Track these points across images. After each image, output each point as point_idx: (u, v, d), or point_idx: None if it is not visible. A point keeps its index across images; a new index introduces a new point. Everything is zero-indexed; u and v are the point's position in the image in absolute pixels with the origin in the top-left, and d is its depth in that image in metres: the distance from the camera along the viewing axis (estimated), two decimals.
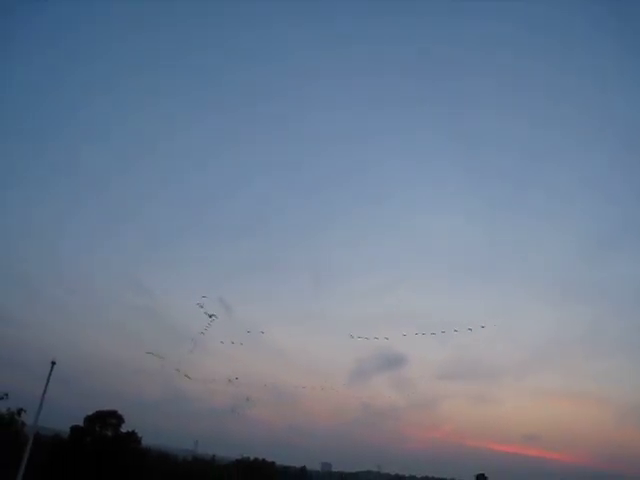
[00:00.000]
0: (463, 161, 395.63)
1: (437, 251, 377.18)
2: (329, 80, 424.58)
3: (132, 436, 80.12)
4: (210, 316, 70.77)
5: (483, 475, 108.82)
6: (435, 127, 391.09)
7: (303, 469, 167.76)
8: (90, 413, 77.76)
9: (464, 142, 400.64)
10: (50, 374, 41.98)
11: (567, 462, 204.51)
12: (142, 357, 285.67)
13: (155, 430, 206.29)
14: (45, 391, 41.79)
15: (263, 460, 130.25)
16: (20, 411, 62.56)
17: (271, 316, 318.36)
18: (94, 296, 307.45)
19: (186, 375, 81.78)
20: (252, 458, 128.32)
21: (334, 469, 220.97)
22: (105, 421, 77.61)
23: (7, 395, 61.29)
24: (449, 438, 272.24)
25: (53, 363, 42.11)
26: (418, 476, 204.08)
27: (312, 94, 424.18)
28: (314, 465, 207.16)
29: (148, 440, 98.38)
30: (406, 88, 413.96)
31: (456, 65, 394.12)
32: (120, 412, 79.52)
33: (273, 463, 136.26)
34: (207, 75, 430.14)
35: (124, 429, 79.49)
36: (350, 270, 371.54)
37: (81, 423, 77.47)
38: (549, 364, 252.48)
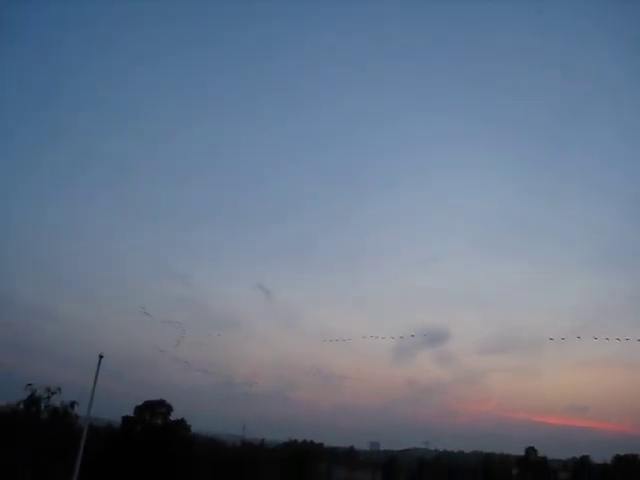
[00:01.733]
0: (499, 142, 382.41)
1: (471, 220, 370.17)
2: (367, 61, 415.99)
3: (181, 424, 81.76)
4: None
5: (533, 448, 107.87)
6: (467, 101, 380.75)
7: (351, 449, 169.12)
8: (140, 403, 79.75)
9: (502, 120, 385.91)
10: (99, 367, 43.18)
11: (617, 431, 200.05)
12: (184, 344, 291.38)
13: (203, 416, 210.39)
14: (95, 383, 43.00)
15: (311, 442, 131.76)
16: (73, 404, 64.42)
17: (310, 299, 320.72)
18: (130, 286, 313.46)
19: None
20: (300, 440, 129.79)
21: (382, 447, 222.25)
22: (154, 410, 79.36)
23: (60, 390, 63.45)
24: (495, 412, 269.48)
25: (101, 356, 43.28)
26: (467, 451, 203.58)
27: (344, 73, 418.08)
28: (362, 444, 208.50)
29: (197, 427, 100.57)
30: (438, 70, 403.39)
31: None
32: (168, 401, 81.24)
33: (321, 444, 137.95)
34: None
35: (173, 417, 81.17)
36: (384, 250, 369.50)
37: (132, 413, 79.52)
38: (595, 333, 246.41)
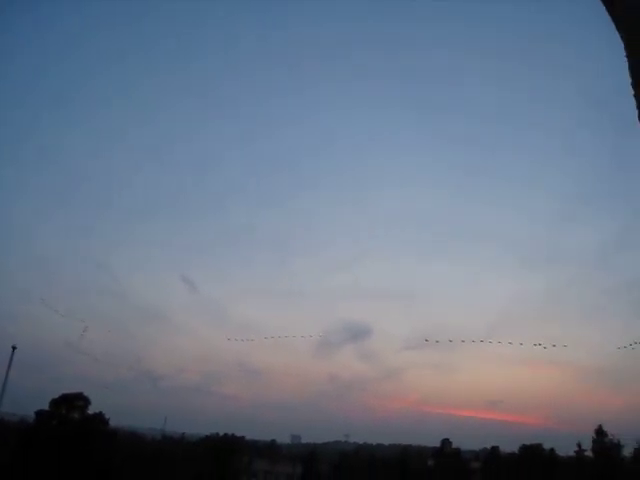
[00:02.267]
0: (429, 128, 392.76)
1: (403, 221, 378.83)
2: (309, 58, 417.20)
3: (99, 417, 79.68)
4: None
5: (448, 440, 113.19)
6: (401, 98, 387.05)
7: (273, 442, 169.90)
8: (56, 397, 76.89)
9: (429, 110, 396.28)
10: (11, 359, 41.42)
11: (528, 423, 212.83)
12: (108, 337, 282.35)
13: (124, 410, 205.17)
14: (7, 376, 41.22)
15: (232, 435, 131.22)
16: None
17: (236, 292, 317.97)
18: (56, 279, 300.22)
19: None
20: (221, 434, 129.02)
21: (303, 441, 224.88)
22: (71, 403, 76.92)
23: None
24: (414, 406, 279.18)
25: (14, 348, 41.62)
26: (385, 444, 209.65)
27: (277, 69, 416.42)
28: (284, 438, 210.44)
29: (117, 421, 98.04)
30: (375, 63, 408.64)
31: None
32: (86, 394, 78.87)
33: (243, 438, 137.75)
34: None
35: (91, 411, 78.93)
36: (315, 244, 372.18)
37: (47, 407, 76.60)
38: (510, 331, 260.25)
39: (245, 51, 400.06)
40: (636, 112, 1.95)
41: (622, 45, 2.14)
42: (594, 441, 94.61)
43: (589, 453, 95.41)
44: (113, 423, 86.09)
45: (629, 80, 2.38)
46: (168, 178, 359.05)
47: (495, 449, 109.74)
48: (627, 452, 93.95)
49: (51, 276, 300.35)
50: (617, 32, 2.27)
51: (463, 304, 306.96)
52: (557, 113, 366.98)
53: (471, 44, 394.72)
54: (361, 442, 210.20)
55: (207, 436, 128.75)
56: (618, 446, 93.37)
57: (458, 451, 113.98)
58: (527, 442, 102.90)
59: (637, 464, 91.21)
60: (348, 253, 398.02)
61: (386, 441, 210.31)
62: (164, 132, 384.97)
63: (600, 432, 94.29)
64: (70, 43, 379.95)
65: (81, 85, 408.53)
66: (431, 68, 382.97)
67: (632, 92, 1.80)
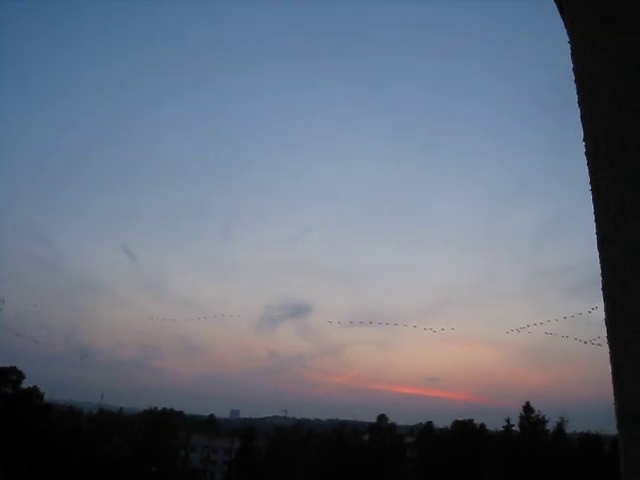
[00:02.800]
0: (373, 106, 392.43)
1: (346, 198, 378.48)
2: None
3: (33, 392, 77.63)
4: None
5: (384, 415, 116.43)
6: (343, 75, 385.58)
7: (211, 417, 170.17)
8: None
9: (371, 85, 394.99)
10: None
11: (462, 400, 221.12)
12: (45, 311, 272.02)
13: (60, 385, 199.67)
14: None
15: (171, 410, 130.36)
16: None
17: (179, 266, 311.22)
18: None
19: None
20: (160, 408, 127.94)
21: (242, 416, 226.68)
22: (4, 377, 74.51)
23: None
24: (353, 383, 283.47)
25: None
26: (323, 419, 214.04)
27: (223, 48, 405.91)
28: (223, 413, 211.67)
29: (53, 395, 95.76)
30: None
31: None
32: (20, 368, 76.60)
33: (181, 412, 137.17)
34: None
35: (25, 385, 76.75)
36: (259, 219, 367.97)
37: None
38: (450, 311, 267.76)
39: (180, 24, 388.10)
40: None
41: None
42: (521, 417, 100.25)
43: (516, 428, 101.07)
44: (48, 398, 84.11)
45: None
46: (115, 149, 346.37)
47: (429, 424, 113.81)
48: (550, 427, 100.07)
49: None
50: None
51: (404, 284, 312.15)
52: (503, 90, 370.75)
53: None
54: (299, 417, 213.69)
55: (145, 411, 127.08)
56: (543, 421, 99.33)
57: (393, 426, 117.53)
58: (460, 417, 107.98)
59: (558, 437, 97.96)
60: (291, 229, 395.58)
61: (324, 416, 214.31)
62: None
63: (527, 408, 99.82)
64: None
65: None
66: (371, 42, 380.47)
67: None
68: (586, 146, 1.82)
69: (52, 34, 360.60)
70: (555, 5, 2.55)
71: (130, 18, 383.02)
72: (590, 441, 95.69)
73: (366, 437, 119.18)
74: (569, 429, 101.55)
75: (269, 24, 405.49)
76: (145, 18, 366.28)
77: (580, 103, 1.94)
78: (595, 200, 1.74)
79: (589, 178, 1.76)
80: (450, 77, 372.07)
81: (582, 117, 1.89)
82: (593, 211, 1.71)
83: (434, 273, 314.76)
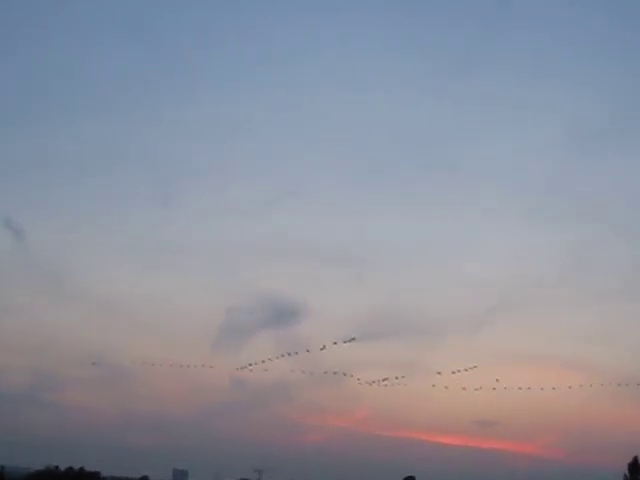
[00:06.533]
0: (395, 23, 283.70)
1: (352, 144, 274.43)
2: None
3: None
4: None
5: (412, 477, 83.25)
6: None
7: None
8: None
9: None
10: None
11: (530, 454, 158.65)
12: None
13: None
14: None
15: (81, 470, 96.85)
16: None
17: (92, 247, 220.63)
18: None
19: None
20: (63, 468, 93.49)
21: (191, 479, 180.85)
22: None
23: None
24: (363, 427, 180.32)
25: None
26: None
27: None
28: (162, 474, 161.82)
29: None
30: None
31: None
32: None
33: (97, 474, 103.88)
34: None
35: None
36: (216, 175, 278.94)
37: None
38: (514, 315, 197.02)
39: None
40: None
41: None
42: (626, 479, 72.64)
43: None
44: None
45: None
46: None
47: None
48: None
49: None
50: None
51: (440, 274, 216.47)
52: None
53: None
54: None
55: (39, 471, 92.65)
56: None
57: None
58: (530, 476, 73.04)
59: None
60: (267, 191, 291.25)
61: (320, 478, 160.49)
62: None
63: (635, 467, 68.98)
64: None
65: None
66: None
67: None
68: None
69: None
70: None
71: None
72: None
73: None
74: None
75: None
76: None
77: None
78: None
79: None
80: None
81: None
82: None
83: (488, 257, 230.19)
